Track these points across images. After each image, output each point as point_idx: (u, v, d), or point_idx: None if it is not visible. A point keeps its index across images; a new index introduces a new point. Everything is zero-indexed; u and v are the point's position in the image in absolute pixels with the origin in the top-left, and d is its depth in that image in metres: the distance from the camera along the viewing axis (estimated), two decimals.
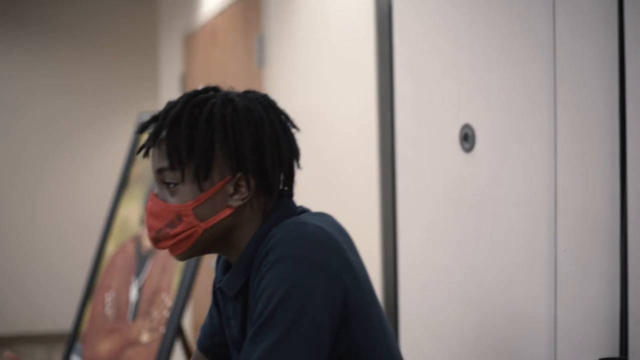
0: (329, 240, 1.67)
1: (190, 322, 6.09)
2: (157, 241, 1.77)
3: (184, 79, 6.54)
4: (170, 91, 7.22)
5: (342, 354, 1.67)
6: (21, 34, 7.83)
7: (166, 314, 3.87)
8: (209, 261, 4.60)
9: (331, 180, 3.40)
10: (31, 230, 7.85)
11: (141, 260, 4.30)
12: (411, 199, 2.57)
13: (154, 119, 1.79)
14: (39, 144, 7.86)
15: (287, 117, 1.83)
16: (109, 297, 4.39)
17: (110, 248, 4.60)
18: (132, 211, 4.55)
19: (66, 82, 7.94)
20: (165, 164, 1.73)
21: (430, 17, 2.44)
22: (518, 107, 2.08)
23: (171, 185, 1.74)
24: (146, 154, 1.80)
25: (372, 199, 2.98)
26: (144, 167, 4.60)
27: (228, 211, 1.74)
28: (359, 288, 1.69)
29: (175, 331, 3.78)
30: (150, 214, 1.76)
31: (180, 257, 1.80)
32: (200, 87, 1.85)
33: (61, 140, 7.92)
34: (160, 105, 7.39)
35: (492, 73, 2.18)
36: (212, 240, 1.76)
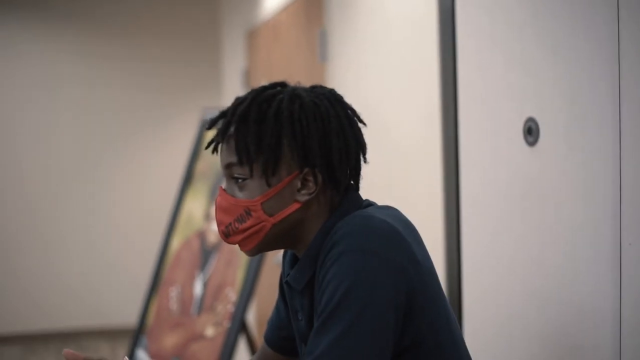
0: (394, 234, 1.66)
1: (254, 317, 6.12)
2: (226, 235, 1.79)
3: (247, 74, 6.56)
4: (233, 86, 7.26)
5: (406, 347, 1.67)
6: (88, 32, 7.92)
7: (230, 308, 3.89)
8: (273, 257, 4.62)
9: (394, 175, 3.39)
10: (96, 225, 7.94)
11: (206, 255, 4.33)
12: (475, 192, 2.56)
13: (223, 114, 1.81)
14: (103, 140, 7.95)
15: (353, 112, 1.83)
16: (174, 292, 4.44)
17: (175, 243, 4.64)
18: (197, 207, 4.59)
19: (129, 78, 8.01)
20: (233, 159, 1.75)
21: (494, 10, 2.43)
22: (582, 100, 2.07)
23: (240, 181, 1.75)
24: (215, 150, 1.82)
25: (435, 192, 2.97)
26: (209, 163, 4.64)
27: (296, 206, 1.75)
28: (424, 282, 1.69)
29: (239, 326, 3.81)
30: (220, 209, 1.78)
31: (250, 253, 1.82)
32: (267, 83, 1.86)
33: (126, 135, 8.00)
34: (223, 101, 7.44)
35: (556, 66, 2.16)
36: (281, 235, 1.77)
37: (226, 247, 4.18)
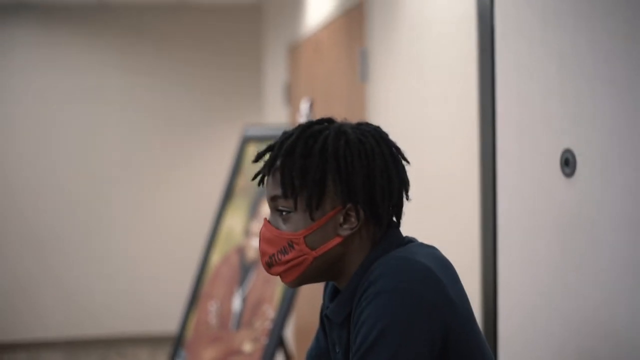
0: (429, 274, 1.69)
1: (292, 333, 6.15)
2: (269, 266, 1.83)
3: (288, 88, 6.60)
4: (274, 100, 7.30)
5: None
6: (132, 45, 7.99)
7: (268, 325, 3.93)
8: None
9: (432, 200, 3.40)
10: (137, 236, 8.00)
11: (245, 270, 4.37)
12: (512, 221, 2.57)
13: (270, 148, 1.85)
14: (145, 152, 8.01)
15: (398, 150, 1.87)
16: (213, 307, 4.47)
17: (215, 258, 4.68)
18: (237, 222, 4.62)
19: (172, 92, 8.06)
20: (278, 192, 1.79)
21: (534, 38, 2.43)
22: (620, 131, 2.06)
23: (284, 213, 1.80)
24: (261, 182, 1.87)
25: (473, 219, 2.98)
26: (249, 179, 4.66)
27: (338, 240, 1.79)
28: (459, 322, 1.71)
29: (276, 342, 3.84)
30: (264, 240, 1.83)
31: (292, 284, 1.86)
32: (314, 118, 1.91)
33: (167, 148, 8.05)
34: (264, 115, 7.48)
35: (594, 96, 2.16)
36: (322, 268, 1.81)
37: None
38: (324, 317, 1.95)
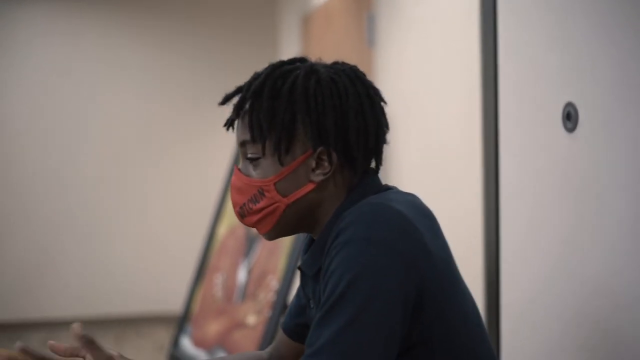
0: (404, 223, 1.57)
1: None
2: (242, 216, 1.74)
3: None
4: None
5: (414, 343, 1.57)
6: (145, 19, 7.93)
7: (272, 297, 3.85)
8: None
9: (432, 162, 3.32)
10: (153, 214, 7.96)
11: (250, 242, 4.30)
12: (514, 178, 2.48)
13: (238, 90, 1.77)
14: (153, 126, 7.96)
15: (375, 91, 1.75)
16: (219, 279, 4.41)
17: (222, 231, 4.61)
18: None
19: (184, 64, 8.00)
20: (247, 136, 1.70)
21: None
22: (625, 83, 1.97)
23: (254, 159, 1.70)
24: (231, 126, 1.78)
25: (475, 179, 2.89)
26: None
27: (310, 186, 1.68)
28: (437, 274, 1.59)
29: (280, 313, 3.76)
30: (234, 189, 1.74)
31: (268, 236, 1.75)
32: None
33: (176, 121, 7.99)
34: None
35: (598, 47, 2.07)
36: (297, 218, 1.71)
37: None
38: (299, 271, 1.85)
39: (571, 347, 2.21)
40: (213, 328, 4.22)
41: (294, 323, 1.95)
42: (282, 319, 2.04)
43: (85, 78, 7.84)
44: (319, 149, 1.67)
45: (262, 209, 1.69)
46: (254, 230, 4.34)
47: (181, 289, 7.52)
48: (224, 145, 7.52)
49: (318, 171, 1.68)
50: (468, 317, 1.65)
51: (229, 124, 1.77)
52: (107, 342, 7.18)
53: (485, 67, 2.69)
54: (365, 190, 1.70)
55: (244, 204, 1.71)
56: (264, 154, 1.68)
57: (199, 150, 8.04)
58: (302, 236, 3.84)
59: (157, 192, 7.97)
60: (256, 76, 1.74)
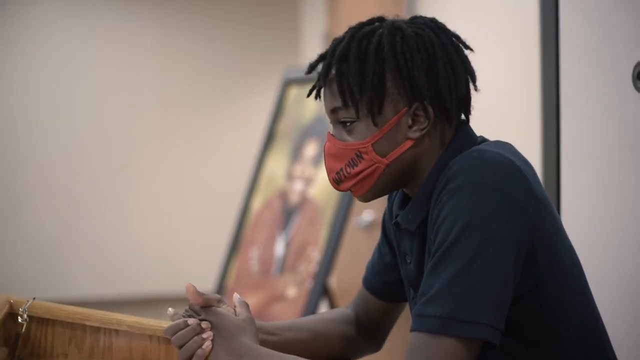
0: (512, 168, 1.56)
1: (336, 280, 6.04)
2: (338, 182, 1.72)
3: (327, 36, 6.46)
4: (312, 49, 7.17)
5: (527, 291, 1.56)
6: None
7: (313, 268, 3.82)
8: (355, 218, 4.54)
9: (492, 128, 3.26)
10: (172, 194, 7.91)
11: (288, 214, 4.27)
12: (577, 146, 2.42)
13: (322, 57, 1.74)
14: (180, 104, 7.92)
15: (458, 39, 1.74)
16: (254, 253, 4.38)
17: (257, 204, 4.57)
18: (279, 166, 4.52)
19: (207, 41, 7.94)
20: (338, 102, 1.69)
21: None
22: None
23: (347, 124, 1.69)
24: (317, 95, 1.77)
25: (534, 145, 2.84)
26: (290, 123, 4.56)
27: (408, 144, 1.67)
28: (545, 220, 1.58)
29: (322, 285, 3.73)
30: (329, 155, 1.72)
31: (364, 197, 1.74)
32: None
33: (202, 100, 7.94)
34: (302, 63, 7.35)
35: None
36: (396, 176, 1.69)
37: (309, 206, 4.11)
38: (391, 227, 1.83)
39: (629, 313, 2.18)
40: (250, 301, 4.17)
41: (382, 282, 1.93)
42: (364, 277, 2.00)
43: (103, 59, 7.78)
44: (415, 105, 1.66)
45: (361, 171, 1.67)
46: (292, 202, 4.32)
47: (199, 269, 7.48)
48: (251, 121, 7.50)
49: (415, 127, 1.67)
50: (575, 263, 1.65)
51: (316, 93, 1.76)
52: None
53: (545, 25, 2.62)
54: (463, 142, 1.69)
55: (341, 169, 1.69)
56: (357, 117, 1.67)
57: (226, 126, 8.00)
58: (342, 204, 3.81)
59: (178, 171, 7.92)
60: (339, 41, 1.71)
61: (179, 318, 1.75)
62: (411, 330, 1.54)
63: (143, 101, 7.87)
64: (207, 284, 6.96)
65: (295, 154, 4.39)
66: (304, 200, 4.19)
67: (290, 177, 4.38)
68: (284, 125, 4.61)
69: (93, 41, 7.76)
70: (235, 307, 1.80)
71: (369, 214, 4.55)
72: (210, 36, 7.98)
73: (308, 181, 4.22)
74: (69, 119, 7.73)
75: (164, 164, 7.91)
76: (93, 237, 7.79)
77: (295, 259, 4.01)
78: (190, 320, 1.71)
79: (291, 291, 3.92)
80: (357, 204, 4.07)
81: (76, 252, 7.76)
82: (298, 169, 4.33)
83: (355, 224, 4.56)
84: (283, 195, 4.38)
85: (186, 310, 1.79)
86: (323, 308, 4.47)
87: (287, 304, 3.90)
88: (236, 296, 1.83)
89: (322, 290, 3.73)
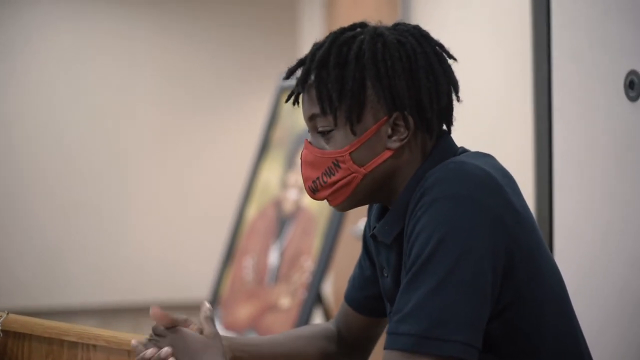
0: (489, 180, 1.52)
1: (331, 290, 6.01)
2: (314, 191, 1.67)
3: None
4: None
5: (506, 304, 1.52)
6: (164, 4, 7.88)
7: (307, 277, 3.79)
8: (351, 226, 4.50)
9: (483, 136, 3.25)
10: (171, 200, 7.90)
11: (282, 223, 4.24)
12: (569, 153, 2.40)
13: (301, 62, 1.69)
14: (176, 113, 7.91)
15: (442, 47, 1.69)
16: (249, 262, 4.35)
17: (251, 212, 4.55)
18: (273, 175, 4.49)
19: (203, 46, 7.95)
20: (316, 109, 1.64)
21: None
22: None
23: (326, 132, 1.64)
24: (296, 101, 1.71)
25: (526, 154, 2.81)
26: (285, 130, 4.53)
27: (387, 154, 1.62)
28: (525, 233, 1.54)
29: (316, 295, 3.70)
30: (306, 163, 1.67)
31: (340, 207, 1.69)
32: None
33: (199, 106, 7.94)
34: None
35: None
36: (374, 187, 1.64)
37: (303, 215, 4.08)
38: (369, 240, 1.79)
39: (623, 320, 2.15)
40: (244, 312, 4.17)
41: (363, 296, 1.88)
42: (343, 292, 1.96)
43: (105, 64, 7.78)
44: (395, 114, 1.61)
45: (337, 181, 1.63)
46: (286, 210, 4.29)
47: (198, 276, 7.45)
48: (247, 128, 7.47)
49: (395, 137, 1.62)
50: (555, 276, 1.61)
51: (294, 99, 1.71)
52: (123, 331, 7.14)
53: (537, 34, 2.59)
54: (443, 153, 1.64)
55: (317, 178, 1.65)
56: (335, 125, 1.62)
57: (222, 133, 7.99)
58: (336, 213, 3.78)
59: (177, 178, 7.92)
60: (318, 46, 1.66)
61: (141, 351, 1.70)
62: (385, 348, 1.49)
63: (141, 106, 7.87)
64: (206, 292, 6.94)
65: (290, 162, 4.36)
66: (298, 209, 4.16)
67: (284, 185, 4.35)
68: (279, 133, 4.58)
69: (92, 46, 7.77)
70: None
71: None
72: (209, 41, 7.98)
73: (302, 189, 4.19)
74: (66, 124, 7.72)
75: (163, 170, 7.90)
76: (92, 245, 7.77)
77: (289, 268, 3.98)
78: (149, 353, 1.68)
79: (284, 301, 3.89)
80: (353, 212, 4.04)
81: (77, 260, 7.75)
82: (292, 177, 4.30)
83: (352, 233, 4.52)
84: (277, 204, 4.35)
85: (150, 335, 1.75)
86: (317, 318, 4.44)
87: (280, 314, 3.87)
88: (203, 309, 1.77)
89: (315, 300, 3.70)
